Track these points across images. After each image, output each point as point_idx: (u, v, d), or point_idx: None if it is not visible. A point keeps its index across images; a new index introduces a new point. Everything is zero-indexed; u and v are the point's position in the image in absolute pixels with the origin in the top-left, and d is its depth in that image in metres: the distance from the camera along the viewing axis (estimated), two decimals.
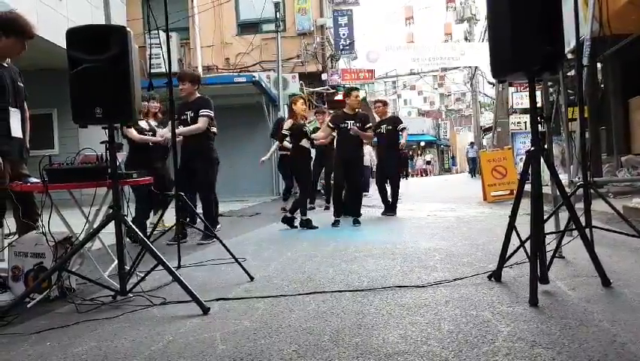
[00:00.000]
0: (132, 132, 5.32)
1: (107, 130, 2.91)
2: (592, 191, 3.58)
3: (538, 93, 6.59)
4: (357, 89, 6.97)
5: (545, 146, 3.69)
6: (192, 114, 5.35)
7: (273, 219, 7.40)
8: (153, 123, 5.81)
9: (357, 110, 6.60)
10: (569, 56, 5.58)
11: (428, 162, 41.13)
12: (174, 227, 4.03)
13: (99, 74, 2.77)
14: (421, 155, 42.07)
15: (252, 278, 3.47)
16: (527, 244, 2.84)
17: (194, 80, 5.52)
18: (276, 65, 13.34)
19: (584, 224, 3.28)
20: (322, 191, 12.39)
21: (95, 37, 2.81)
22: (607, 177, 8.00)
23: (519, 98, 18.25)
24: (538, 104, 5.72)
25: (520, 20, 2.71)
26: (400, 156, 8.19)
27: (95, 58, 2.77)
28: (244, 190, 12.69)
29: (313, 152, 6.96)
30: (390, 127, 7.61)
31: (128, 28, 2.89)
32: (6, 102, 3.12)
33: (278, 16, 13.18)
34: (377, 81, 26.10)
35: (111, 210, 2.95)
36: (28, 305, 2.92)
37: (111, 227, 2.96)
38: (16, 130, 3.18)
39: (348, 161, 6.47)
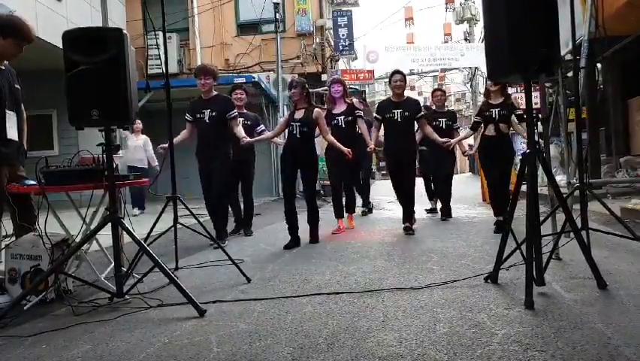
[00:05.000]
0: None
1: (103, 132, 2.92)
2: (589, 193, 3.59)
3: (536, 94, 6.57)
4: (399, 72, 5.79)
5: (543, 148, 3.71)
6: (214, 114, 5.17)
7: (272, 220, 7.40)
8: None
9: (404, 96, 5.68)
10: (568, 57, 5.58)
11: None
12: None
13: (96, 76, 2.77)
14: None
15: (249, 280, 3.47)
16: (524, 246, 2.83)
17: (216, 76, 5.35)
18: (275, 66, 13.33)
19: (580, 226, 3.28)
20: (322, 192, 12.41)
21: (91, 40, 2.81)
22: (605, 179, 8.00)
23: (519, 98, 18.26)
24: (537, 105, 5.73)
25: (517, 22, 2.72)
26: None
27: (91, 60, 2.77)
28: None
29: None
30: (449, 121, 6.88)
31: (125, 31, 2.89)
32: (2, 105, 3.12)
33: (277, 16, 13.17)
34: (377, 82, 26.09)
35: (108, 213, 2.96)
36: (25, 307, 2.93)
37: (108, 229, 2.97)
38: (12, 133, 3.18)
39: (400, 157, 5.57)
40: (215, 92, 5.29)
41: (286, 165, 5.13)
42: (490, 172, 5.63)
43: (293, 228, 5.01)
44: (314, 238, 5.13)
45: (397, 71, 5.76)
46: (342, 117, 5.91)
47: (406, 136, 5.57)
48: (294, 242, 4.96)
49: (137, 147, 8.89)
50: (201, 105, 5.26)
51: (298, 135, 4.98)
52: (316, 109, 5.05)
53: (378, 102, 6.08)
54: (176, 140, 4.97)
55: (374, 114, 5.77)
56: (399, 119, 5.50)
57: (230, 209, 5.80)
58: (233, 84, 6.72)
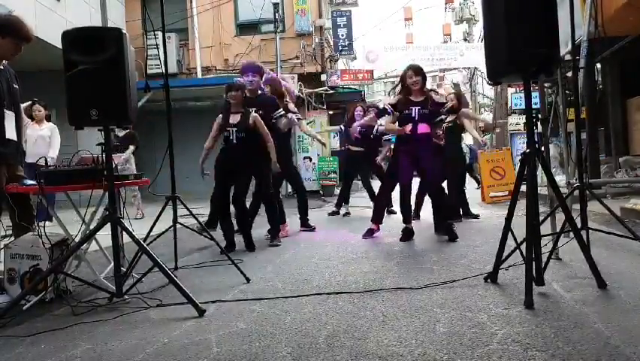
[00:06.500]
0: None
1: (102, 132, 2.92)
2: (588, 192, 3.59)
3: (535, 94, 6.54)
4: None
5: (542, 147, 3.71)
6: (261, 112, 4.97)
7: None
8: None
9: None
10: (567, 57, 5.59)
11: None
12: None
13: (95, 76, 2.77)
14: None
15: (248, 280, 3.47)
16: (523, 246, 2.83)
17: (262, 74, 5.29)
18: (275, 66, 13.33)
19: (580, 226, 3.29)
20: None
21: (90, 39, 2.81)
22: (604, 179, 8.00)
23: (518, 98, 18.29)
24: (536, 105, 5.70)
25: (516, 22, 2.72)
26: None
27: (90, 60, 2.77)
28: None
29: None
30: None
31: (124, 30, 2.89)
32: (1, 105, 3.12)
33: (277, 16, 13.16)
34: (376, 82, 26.10)
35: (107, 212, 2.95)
36: (24, 307, 2.92)
37: (107, 229, 2.96)
38: (11, 133, 3.18)
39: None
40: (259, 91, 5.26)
41: (217, 174, 4.89)
42: (403, 176, 5.05)
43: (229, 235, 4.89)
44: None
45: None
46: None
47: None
48: (229, 247, 4.78)
49: (40, 138, 6.54)
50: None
51: (235, 141, 4.73)
52: (253, 114, 4.78)
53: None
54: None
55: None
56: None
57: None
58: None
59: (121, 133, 7.45)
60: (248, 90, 5.12)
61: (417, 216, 6.65)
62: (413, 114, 4.86)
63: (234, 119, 4.79)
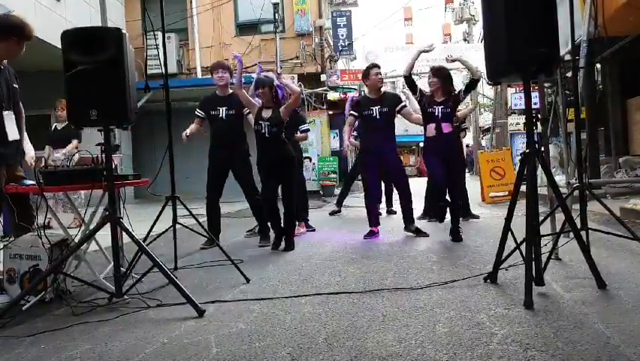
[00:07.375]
0: None
1: (102, 132, 2.92)
2: (588, 193, 3.59)
3: (535, 94, 6.54)
4: (377, 65, 5.51)
5: (542, 148, 3.71)
6: (232, 111, 5.08)
7: None
8: None
9: (382, 91, 5.45)
10: (567, 57, 5.58)
11: None
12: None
13: (94, 76, 2.77)
14: (419, 155, 42.09)
15: (248, 280, 3.46)
16: (523, 246, 2.83)
17: (232, 72, 5.16)
18: (274, 66, 13.33)
19: (579, 226, 3.29)
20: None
21: (90, 39, 2.81)
22: (604, 179, 8.00)
23: (518, 98, 18.28)
24: (536, 105, 5.69)
25: (516, 22, 2.72)
26: None
27: (90, 60, 2.77)
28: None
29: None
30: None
31: (124, 30, 2.89)
32: (0, 105, 3.12)
33: (277, 17, 13.16)
34: None
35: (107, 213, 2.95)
36: (24, 308, 2.92)
37: (107, 229, 2.96)
38: (11, 133, 3.18)
39: (381, 157, 5.33)
40: (231, 90, 5.14)
41: (260, 169, 4.93)
42: (436, 174, 5.09)
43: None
44: (289, 244, 4.79)
45: (376, 65, 5.51)
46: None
47: (385, 132, 5.41)
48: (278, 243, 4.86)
49: None
50: (216, 102, 5.15)
51: (267, 135, 4.74)
52: (282, 108, 4.80)
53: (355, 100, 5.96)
54: (190, 130, 5.17)
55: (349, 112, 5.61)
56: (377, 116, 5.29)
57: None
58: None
59: (60, 126, 6.86)
60: (218, 86, 5.17)
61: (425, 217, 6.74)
62: (436, 113, 4.97)
63: (267, 113, 4.78)
